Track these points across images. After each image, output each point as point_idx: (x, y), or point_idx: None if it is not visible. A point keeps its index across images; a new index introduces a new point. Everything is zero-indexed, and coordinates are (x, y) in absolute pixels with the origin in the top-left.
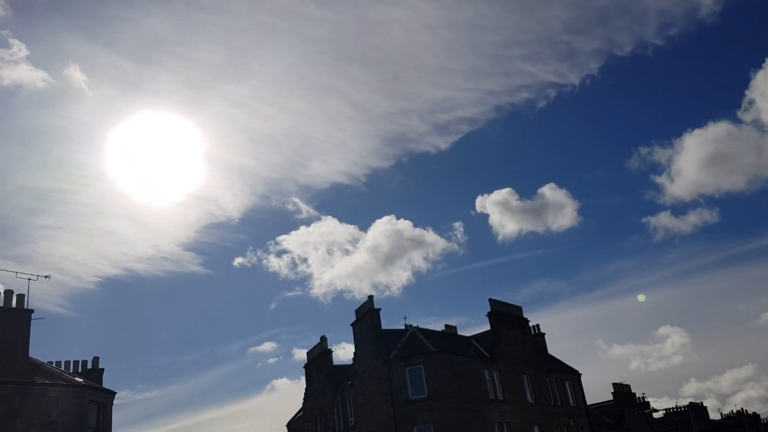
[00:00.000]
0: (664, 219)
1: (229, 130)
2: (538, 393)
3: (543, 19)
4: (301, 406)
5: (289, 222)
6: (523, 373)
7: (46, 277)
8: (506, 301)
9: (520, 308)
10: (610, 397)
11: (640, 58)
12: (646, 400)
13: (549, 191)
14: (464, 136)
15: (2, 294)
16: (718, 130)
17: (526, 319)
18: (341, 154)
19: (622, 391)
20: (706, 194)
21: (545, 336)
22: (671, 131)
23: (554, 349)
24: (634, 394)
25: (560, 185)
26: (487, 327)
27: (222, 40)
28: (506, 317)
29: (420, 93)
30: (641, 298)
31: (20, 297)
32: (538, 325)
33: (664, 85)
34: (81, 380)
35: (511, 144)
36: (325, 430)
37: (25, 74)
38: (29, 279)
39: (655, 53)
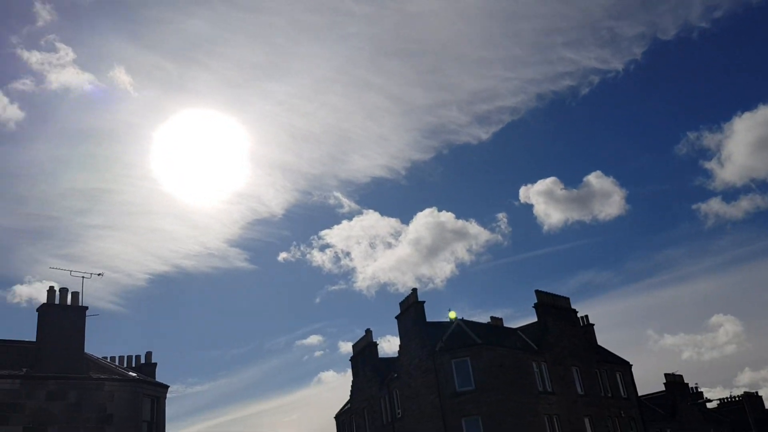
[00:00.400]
0: (714, 205)
1: (270, 127)
2: (587, 384)
3: (584, 5)
4: (348, 398)
5: (332, 216)
6: (571, 365)
7: (99, 274)
8: (553, 292)
9: (567, 299)
10: (662, 388)
11: (685, 42)
12: (699, 390)
13: (595, 179)
14: (505, 125)
15: (57, 292)
16: None
17: (574, 310)
18: (381, 149)
19: (674, 381)
20: (758, 179)
21: (594, 327)
22: (720, 115)
23: (603, 340)
24: (687, 384)
25: (606, 173)
26: (533, 319)
27: (261, 39)
28: (553, 308)
29: (459, 84)
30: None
31: (75, 294)
32: (586, 316)
33: (711, 68)
34: (135, 375)
35: (555, 132)
36: (372, 422)
37: (73, 77)
38: (83, 277)
39: (701, 36)
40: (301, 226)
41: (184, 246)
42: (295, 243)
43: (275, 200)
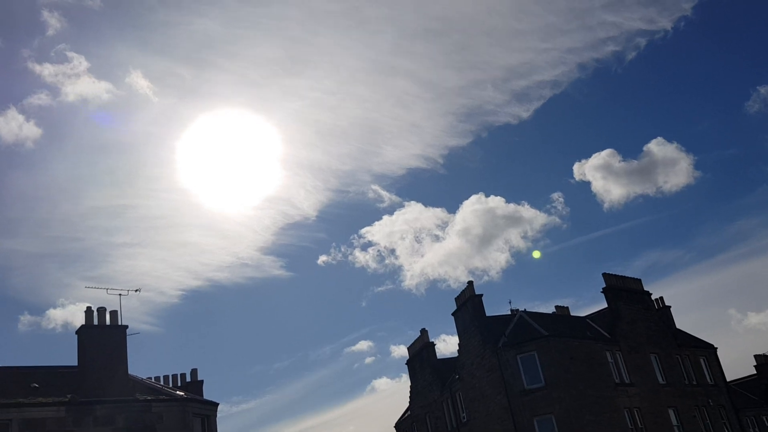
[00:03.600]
0: None
1: (294, 125)
2: (669, 372)
3: None
4: (406, 405)
5: (371, 212)
6: (649, 352)
7: (136, 290)
8: (621, 274)
9: (639, 281)
10: (753, 371)
11: None
12: None
13: (656, 147)
14: (547, 101)
15: (95, 312)
16: None
17: (648, 292)
18: (414, 137)
19: (766, 362)
20: None
21: (671, 309)
22: None
23: (681, 323)
24: None
25: (669, 139)
26: (602, 305)
27: (277, 33)
28: (624, 292)
29: (491, 60)
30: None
31: (113, 313)
32: (661, 298)
33: None
34: (182, 393)
35: (603, 102)
36: (436, 428)
37: (89, 87)
38: (120, 294)
39: None
40: (338, 227)
41: (216, 258)
42: (334, 244)
43: (307, 202)
